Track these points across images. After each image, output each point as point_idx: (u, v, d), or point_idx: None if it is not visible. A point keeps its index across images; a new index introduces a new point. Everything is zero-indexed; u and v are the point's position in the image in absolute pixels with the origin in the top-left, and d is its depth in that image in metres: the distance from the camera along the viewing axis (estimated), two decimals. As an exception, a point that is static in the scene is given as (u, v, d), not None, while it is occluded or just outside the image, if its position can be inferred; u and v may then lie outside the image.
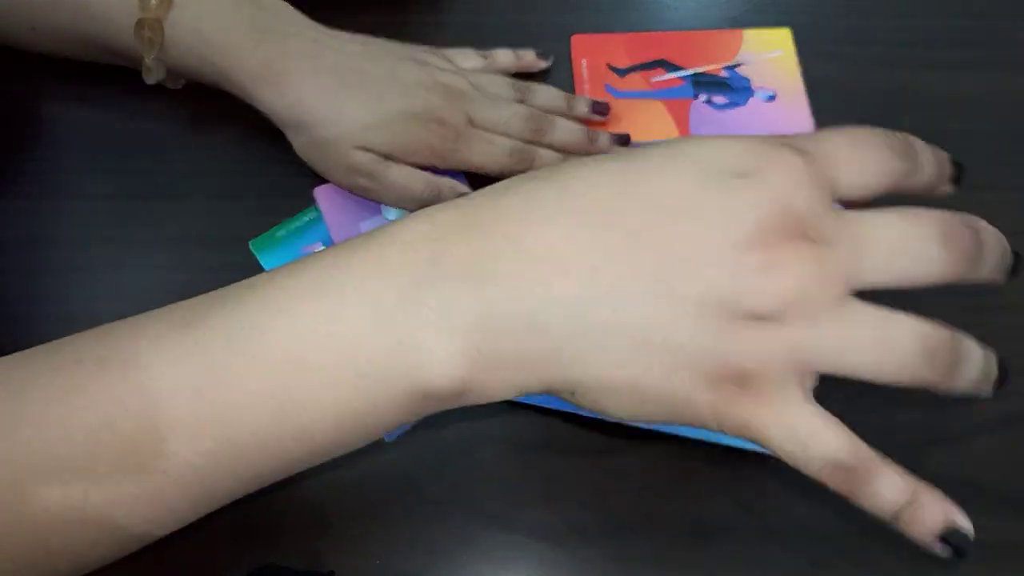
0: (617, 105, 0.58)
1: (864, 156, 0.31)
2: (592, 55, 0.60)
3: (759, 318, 0.28)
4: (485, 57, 0.57)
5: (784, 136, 0.31)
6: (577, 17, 0.62)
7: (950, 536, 0.29)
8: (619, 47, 0.60)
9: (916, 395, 0.34)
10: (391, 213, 0.53)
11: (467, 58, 0.56)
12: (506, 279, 0.29)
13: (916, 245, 0.30)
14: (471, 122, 0.50)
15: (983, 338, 0.50)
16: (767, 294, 0.28)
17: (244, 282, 0.33)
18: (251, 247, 0.52)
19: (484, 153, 0.50)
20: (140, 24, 0.49)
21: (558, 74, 0.59)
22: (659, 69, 0.60)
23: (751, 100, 0.58)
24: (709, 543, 0.44)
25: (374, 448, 0.46)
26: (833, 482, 0.30)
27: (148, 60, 0.51)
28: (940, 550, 0.30)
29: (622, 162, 0.31)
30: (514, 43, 0.60)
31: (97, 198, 0.54)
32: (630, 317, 0.28)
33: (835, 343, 0.29)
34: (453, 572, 0.44)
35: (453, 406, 0.31)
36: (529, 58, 0.58)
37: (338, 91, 0.49)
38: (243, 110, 0.52)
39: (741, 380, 0.29)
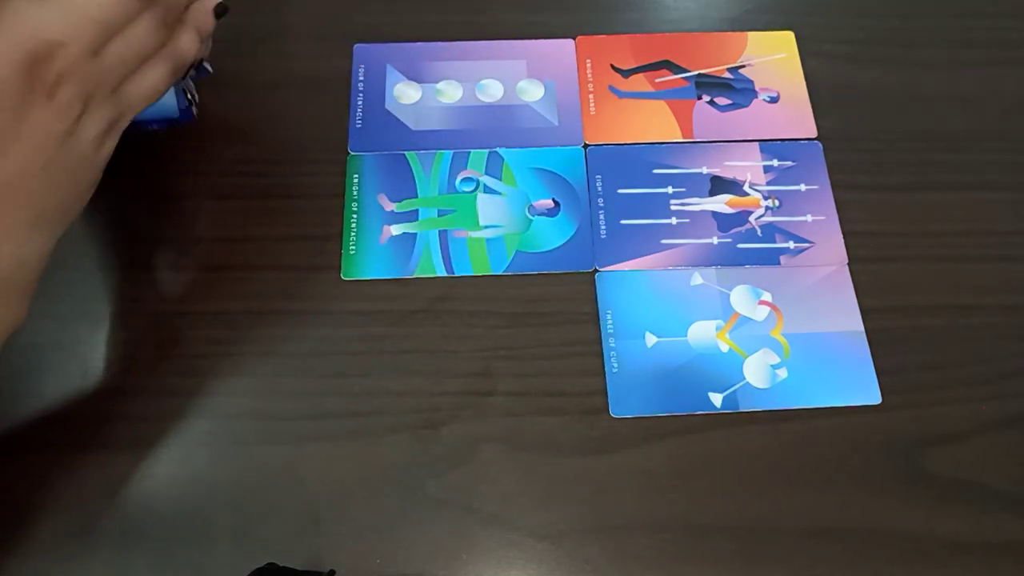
0: (621, 105, 0.58)
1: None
2: (596, 56, 0.60)
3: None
4: None
5: None
6: (581, 17, 0.62)
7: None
8: (624, 48, 0.61)
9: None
10: None
11: None
12: None
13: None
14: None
15: (982, 338, 0.51)
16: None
17: None
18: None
19: None
20: None
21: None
22: (663, 70, 0.60)
23: (754, 101, 0.58)
24: (709, 543, 0.45)
25: (375, 448, 0.47)
26: None
27: None
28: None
29: None
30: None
31: (94, 198, 0.54)
32: None
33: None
34: (453, 572, 0.44)
35: None
36: None
37: None
38: (243, 110, 0.52)
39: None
